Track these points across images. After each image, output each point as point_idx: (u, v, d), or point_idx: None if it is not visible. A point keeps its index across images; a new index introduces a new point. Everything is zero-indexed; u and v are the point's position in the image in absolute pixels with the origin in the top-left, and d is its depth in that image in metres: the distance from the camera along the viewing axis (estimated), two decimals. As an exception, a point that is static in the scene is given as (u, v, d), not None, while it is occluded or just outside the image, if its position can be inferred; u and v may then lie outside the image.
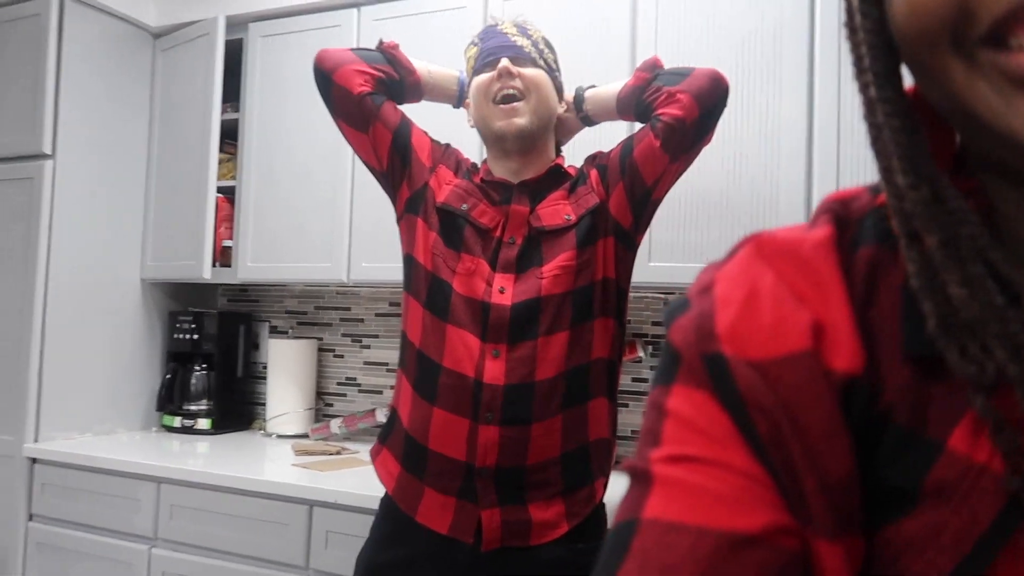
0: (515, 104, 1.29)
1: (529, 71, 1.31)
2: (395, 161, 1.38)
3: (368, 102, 1.35)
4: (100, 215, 2.35)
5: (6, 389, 2.20)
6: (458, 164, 1.41)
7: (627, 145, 1.32)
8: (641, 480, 0.38)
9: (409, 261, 1.37)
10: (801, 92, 1.70)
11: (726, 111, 1.30)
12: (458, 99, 1.45)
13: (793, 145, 1.71)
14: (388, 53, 1.40)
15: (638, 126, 1.37)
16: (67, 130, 2.25)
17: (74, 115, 2.27)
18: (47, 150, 2.21)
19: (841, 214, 0.41)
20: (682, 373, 0.40)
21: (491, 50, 1.32)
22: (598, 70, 1.89)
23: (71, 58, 2.25)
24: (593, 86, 1.43)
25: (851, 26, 0.39)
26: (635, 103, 1.33)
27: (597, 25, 1.90)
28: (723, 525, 0.35)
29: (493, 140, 1.34)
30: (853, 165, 1.66)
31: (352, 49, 1.41)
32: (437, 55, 2.04)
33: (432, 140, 1.43)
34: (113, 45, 2.38)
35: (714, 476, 0.36)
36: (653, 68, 1.32)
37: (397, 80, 1.40)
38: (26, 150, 2.23)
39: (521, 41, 1.32)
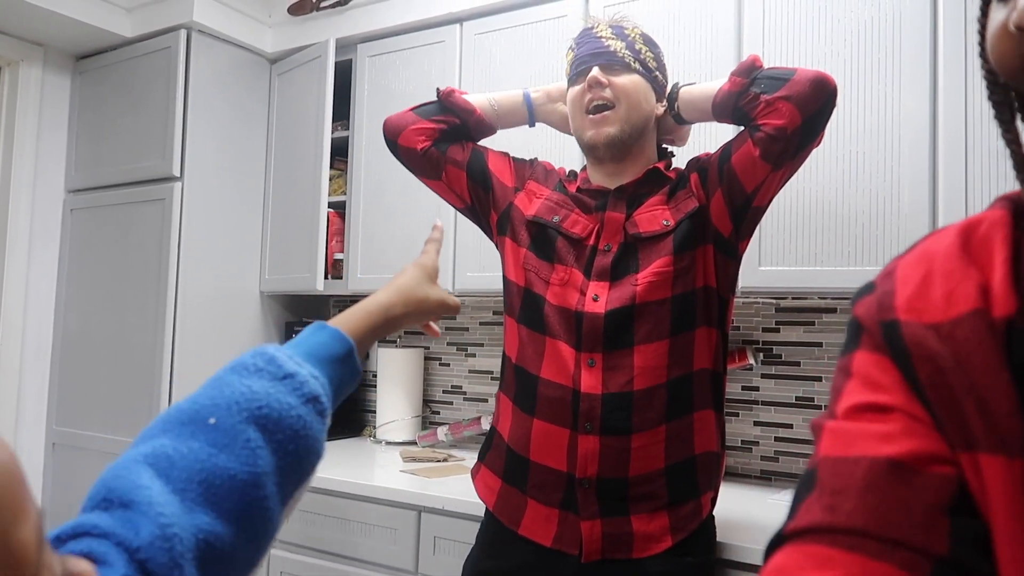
0: (605, 113, 1.28)
1: (622, 78, 1.28)
2: (477, 192, 1.40)
3: (433, 152, 1.39)
4: (223, 232, 2.49)
5: (142, 396, 2.36)
6: (548, 175, 1.41)
7: (726, 150, 1.27)
8: (816, 433, 0.48)
9: (504, 282, 1.38)
10: (923, 82, 1.60)
11: (841, 106, 1.24)
12: (530, 118, 1.43)
13: (915, 139, 1.60)
14: (444, 102, 1.42)
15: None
16: (194, 153, 2.40)
17: (200, 139, 2.42)
18: (176, 172, 2.37)
19: (1018, 202, 0.48)
20: (864, 340, 0.48)
21: (582, 58, 1.31)
22: (704, 68, 1.85)
23: (197, 86, 2.41)
24: (692, 84, 1.37)
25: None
26: (732, 109, 1.25)
27: (702, 21, 1.86)
28: (878, 453, 0.43)
29: (587, 149, 1.34)
30: (982, 157, 1.54)
31: (412, 109, 1.43)
32: (540, 65, 2.06)
33: (513, 160, 1.43)
34: (234, 72, 2.53)
35: (875, 419, 0.45)
36: (750, 71, 1.22)
37: (460, 124, 1.41)
38: (158, 173, 2.40)
39: (615, 45, 1.29)
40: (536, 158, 1.46)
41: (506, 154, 1.44)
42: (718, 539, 1.37)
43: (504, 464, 1.31)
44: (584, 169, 1.39)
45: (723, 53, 1.83)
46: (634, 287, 1.23)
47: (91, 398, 2.49)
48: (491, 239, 1.44)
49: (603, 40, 1.31)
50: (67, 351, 2.58)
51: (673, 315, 1.23)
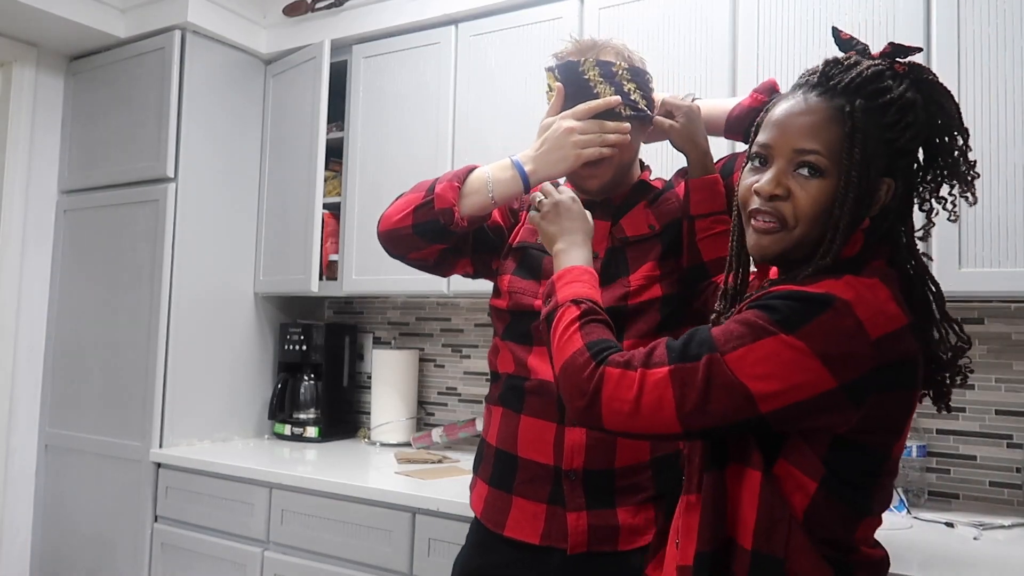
0: (602, 164, 1.27)
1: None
2: (483, 259, 1.40)
3: (447, 262, 1.38)
4: (217, 233, 2.49)
5: (135, 398, 2.35)
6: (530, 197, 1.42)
7: (727, 166, 1.30)
8: None
9: (490, 310, 1.39)
10: (917, 85, 1.61)
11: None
12: (524, 186, 1.29)
13: (909, 141, 1.61)
14: (451, 227, 1.28)
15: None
16: (188, 154, 2.40)
17: (194, 140, 2.41)
18: (170, 174, 2.36)
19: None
20: None
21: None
22: (698, 71, 1.86)
23: (192, 87, 2.41)
24: (696, 97, 1.34)
25: None
26: (750, 125, 1.26)
27: (696, 24, 1.87)
28: None
29: (578, 190, 1.33)
30: (975, 157, 1.54)
31: (413, 222, 1.30)
32: (534, 67, 2.06)
33: None
34: (229, 73, 2.52)
35: None
36: (771, 91, 1.27)
37: (463, 235, 1.35)
38: (152, 175, 2.39)
39: (605, 91, 1.26)
40: None
41: None
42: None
43: (492, 468, 1.33)
44: (567, 180, 1.39)
45: (717, 56, 1.83)
46: (626, 288, 1.26)
47: (84, 400, 2.48)
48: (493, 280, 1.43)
49: (591, 85, 1.27)
50: (60, 352, 2.57)
51: (662, 314, 1.25)
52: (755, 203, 0.91)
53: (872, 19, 1.66)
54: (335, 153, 2.50)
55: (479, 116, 2.18)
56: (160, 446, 2.30)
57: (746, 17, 1.81)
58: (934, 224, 1.01)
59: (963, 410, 1.80)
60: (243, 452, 2.31)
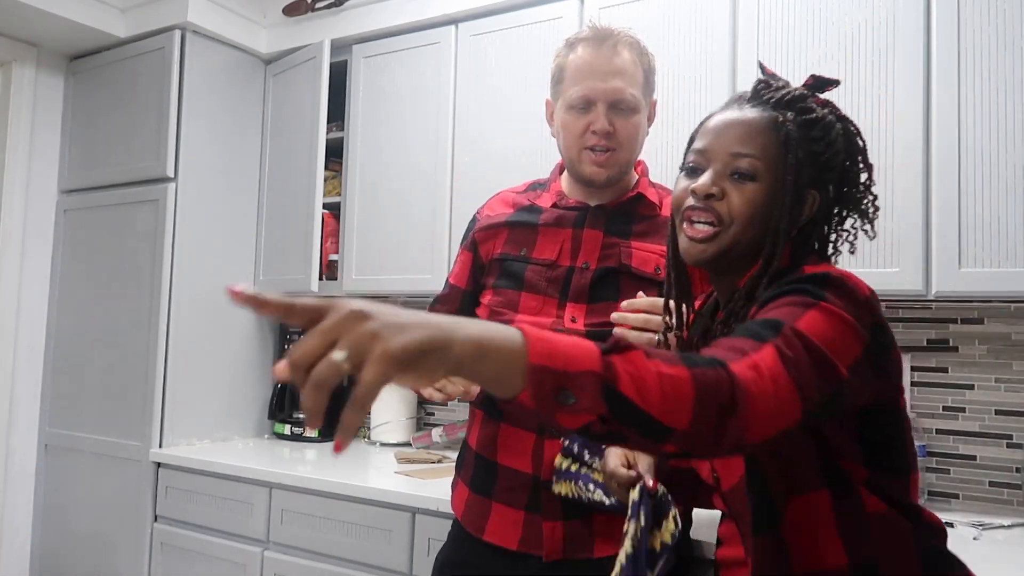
0: (607, 155, 1.26)
1: (629, 122, 1.26)
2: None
3: None
4: (217, 233, 2.49)
5: (135, 398, 2.35)
6: (500, 208, 1.40)
7: None
8: None
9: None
10: (916, 85, 1.61)
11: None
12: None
13: (908, 141, 1.61)
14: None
15: None
16: (188, 154, 2.40)
17: (194, 140, 2.42)
18: (170, 173, 2.36)
19: None
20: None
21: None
22: (698, 71, 1.86)
23: (191, 87, 2.40)
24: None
25: None
26: None
27: (696, 24, 1.87)
28: None
29: (578, 178, 1.32)
30: (975, 158, 1.55)
31: None
32: (533, 67, 2.06)
33: (463, 252, 1.42)
34: (229, 73, 2.52)
35: None
36: None
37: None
38: (152, 174, 2.39)
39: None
40: (475, 215, 1.44)
41: (456, 264, 1.45)
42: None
43: (472, 472, 1.33)
44: (556, 181, 1.38)
45: (717, 56, 1.83)
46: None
47: (84, 399, 2.48)
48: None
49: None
50: (60, 352, 2.57)
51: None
52: (690, 202, 0.92)
53: (872, 19, 1.66)
54: (335, 153, 2.50)
55: (479, 116, 2.18)
56: (160, 446, 2.30)
57: (746, 17, 1.81)
58: (839, 252, 0.99)
59: (963, 410, 1.81)
60: (243, 452, 2.31)
